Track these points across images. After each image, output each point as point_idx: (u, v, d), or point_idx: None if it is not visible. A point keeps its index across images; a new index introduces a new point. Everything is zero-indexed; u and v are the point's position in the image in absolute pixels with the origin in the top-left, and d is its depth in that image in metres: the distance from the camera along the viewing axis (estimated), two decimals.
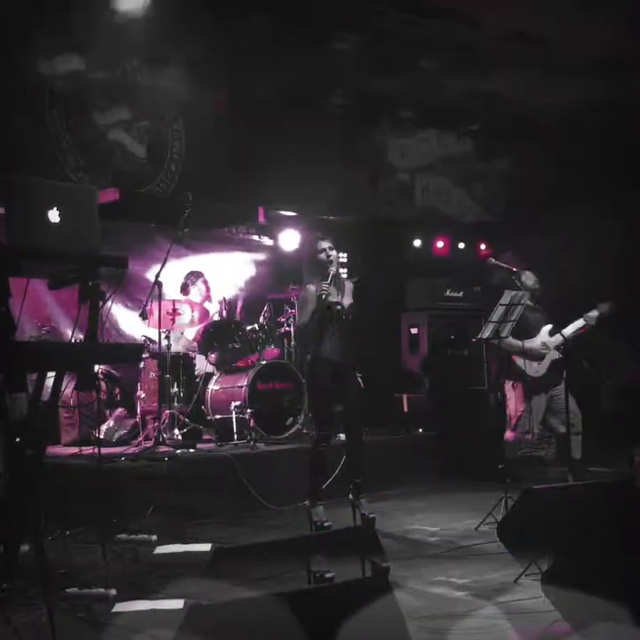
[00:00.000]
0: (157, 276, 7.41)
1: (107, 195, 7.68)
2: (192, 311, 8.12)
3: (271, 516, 6.66)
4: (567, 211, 9.48)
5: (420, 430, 8.97)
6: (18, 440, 3.92)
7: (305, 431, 7.87)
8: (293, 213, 10.15)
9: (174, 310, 7.73)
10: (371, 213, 10.47)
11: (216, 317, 8.51)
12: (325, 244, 6.08)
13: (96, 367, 7.15)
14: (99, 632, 3.83)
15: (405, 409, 9.27)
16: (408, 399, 9.32)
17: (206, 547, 5.36)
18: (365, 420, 6.21)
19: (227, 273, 9.77)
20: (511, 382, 6.83)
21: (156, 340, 7.51)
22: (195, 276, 8.64)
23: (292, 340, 8.60)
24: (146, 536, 5.53)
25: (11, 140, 7.35)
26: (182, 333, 8.25)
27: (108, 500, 5.60)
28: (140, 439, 7.40)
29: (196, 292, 8.56)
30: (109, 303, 4.03)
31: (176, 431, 7.45)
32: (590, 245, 9.35)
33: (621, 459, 7.39)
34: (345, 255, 9.87)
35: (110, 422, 7.85)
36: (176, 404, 7.65)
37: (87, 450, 6.73)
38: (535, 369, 6.73)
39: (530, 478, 6.44)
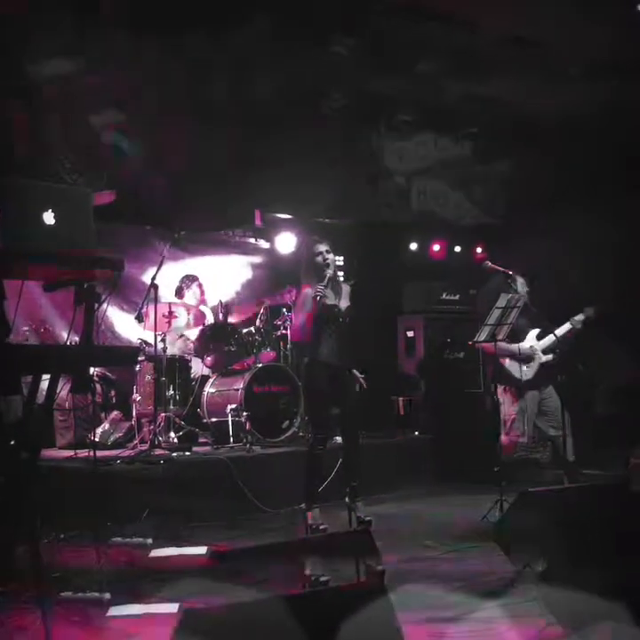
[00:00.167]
0: (153, 278, 7.41)
1: (102, 197, 7.67)
2: (188, 314, 8.13)
3: (267, 518, 6.65)
4: (566, 214, 9.48)
5: (416, 433, 8.98)
6: (12, 443, 3.91)
7: (301, 434, 7.87)
8: (289, 216, 10.15)
9: (170, 313, 7.73)
10: (367, 216, 10.48)
11: (211, 320, 8.52)
12: (322, 247, 6.09)
13: (91, 370, 7.20)
14: (93, 636, 3.82)
15: (401, 412, 9.27)
16: (404, 402, 9.32)
17: (202, 550, 5.35)
18: (362, 423, 6.21)
19: (223, 276, 9.78)
20: (503, 386, 6.91)
21: (152, 342, 7.50)
22: (190, 279, 8.65)
23: (288, 342, 8.60)
24: (141, 539, 5.52)
25: (5, 142, 7.34)
26: (180, 336, 8.23)
27: (103, 503, 5.58)
28: (135, 442, 7.40)
29: (190, 296, 8.57)
30: (105, 306, 4.00)
31: (172, 434, 7.45)
32: (589, 248, 9.37)
33: (616, 461, 7.40)
34: (341, 258, 9.87)
35: (106, 425, 7.84)
36: (172, 406, 7.64)
37: (82, 453, 6.72)
38: (524, 372, 6.81)
39: (525, 481, 6.45)
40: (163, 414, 7.39)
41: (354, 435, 6.14)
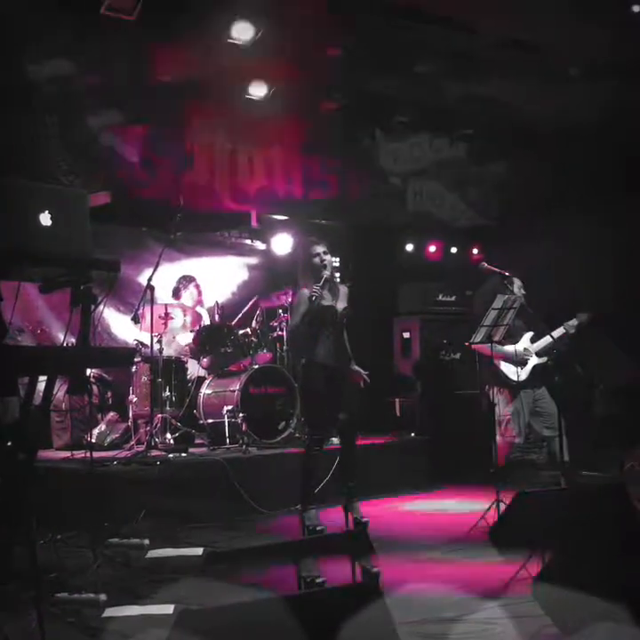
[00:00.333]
0: (149, 279, 7.40)
1: (98, 198, 7.67)
2: (184, 315, 8.12)
3: (263, 520, 6.65)
4: (563, 215, 9.50)
5: (413, 434, 8.98)
6: (9, 444, 3.91)
7: (297, 435, 7.87)
8: (286, 217, 10.15)
9: (166, 314, 7.72)
10: (363, 217, 10.48)
11: (208, 321, 8.51)
12: (320, 249, 6.09)
13: (88, 371, 7.20)
14: (88, 637, 3.82)
15: (398, 413, 9.28)
16: (400, 403, 9.32)
17: (199, 551, 5.36)
18: (358, 424, 6.21)
19: (219, 277, 9.77)
20: (498, 387, 6.95)
21: (148, 343, 7.50)
22: (187, 280, 8.64)
23: (285, 343, 8.60)
24: (138, 540, 5.51)
25: (1, 143, 7.33)
26: (173, 338, 8.22)
27: (99, 504, 5.58)
28: (131, 443, 7.39)
29: (187, 297, 8.56)
30: (101, 307, 4.01)
31: (168, 435, 7.45)
32: (587, 249, 9.39)
33: (615, 462, 7.41)
34: (337, 259, 9.88)
35: (102, 426, 7.84)
36: (168, 408, 7.64)
37: (79, 454, 6.72)
38: (518, 374, 6.85)
39: (522, 482, 6.46)
40: (159, 415, 7.39)
41: (351, 436, 6.14)
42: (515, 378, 6.85)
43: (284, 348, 8.62)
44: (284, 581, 3.46)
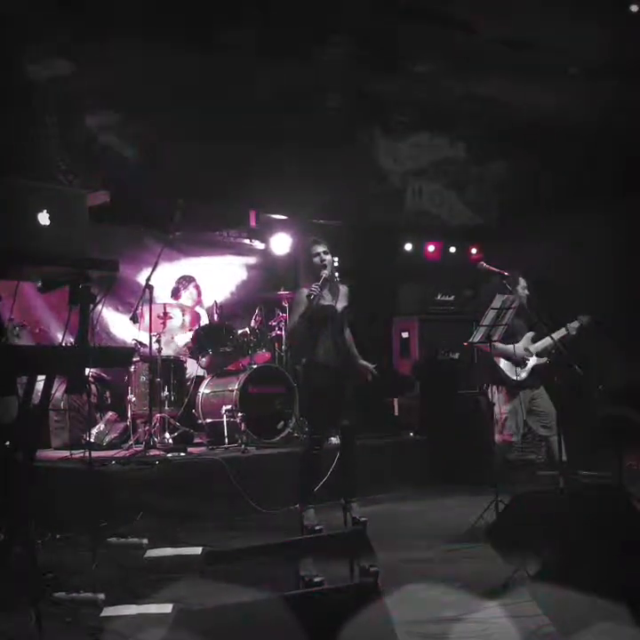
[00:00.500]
0: (148, 279, 7.40)
1: (97, 198, 7.67)
2: (183, 315, 8.11)
3: (262, 519, 6.64)
4: (563, 215, 9.50)
5: (411, 434, 8.98)
6: (8, 443, 3.91)
7: (296, 435, 7.88)
8: (284, 217, 10.15)
9: (165, 314, 7.72)
10: (362, 218, 10.48)
11: (206, 321, 8.51)
12: (320, 248, 6.10)
13: (86, 370, 7.19)
14: (87, 636, 3.81)
15: (397, 413, 9.28)
16: (399, 403, 9.32)
17: (197, 550, 5.35)
18: (357, 424, 6.21)
19: (218, 276, 9.77)
20: (496, 386, 6.94)
21: (147, 343, 7.50)
22: (187, 280, 8.64)
23: (283, 343, 8.60)
24: (136, 539, 5.51)
25: (1, 143, 7.33)
26: (172, 338, 8.21)
27: (98, 503, 5.58)
28: (130, 443, 7.39)
29: (187, 297, 8.56)
30: (100, 306, 4.01)
31: (167, 435, 7.45)
32: (587, 249, 9.39)
33: (614, 463, 7.40)
34: (336, 259, 9.87)
35: (101, 426, 7.83)
36: (167, 407, 7.64)
37: (78, 453, 6.72)
38: (517, 373, 6.84)
39: (521, 482, 6.46)
40: (158, 415, 7.39)
41: (351, 435, 6.14)
42: (514, 377, 6.83)
43: (283, 347, 8.62)
44: (283, 581, 3.46)
